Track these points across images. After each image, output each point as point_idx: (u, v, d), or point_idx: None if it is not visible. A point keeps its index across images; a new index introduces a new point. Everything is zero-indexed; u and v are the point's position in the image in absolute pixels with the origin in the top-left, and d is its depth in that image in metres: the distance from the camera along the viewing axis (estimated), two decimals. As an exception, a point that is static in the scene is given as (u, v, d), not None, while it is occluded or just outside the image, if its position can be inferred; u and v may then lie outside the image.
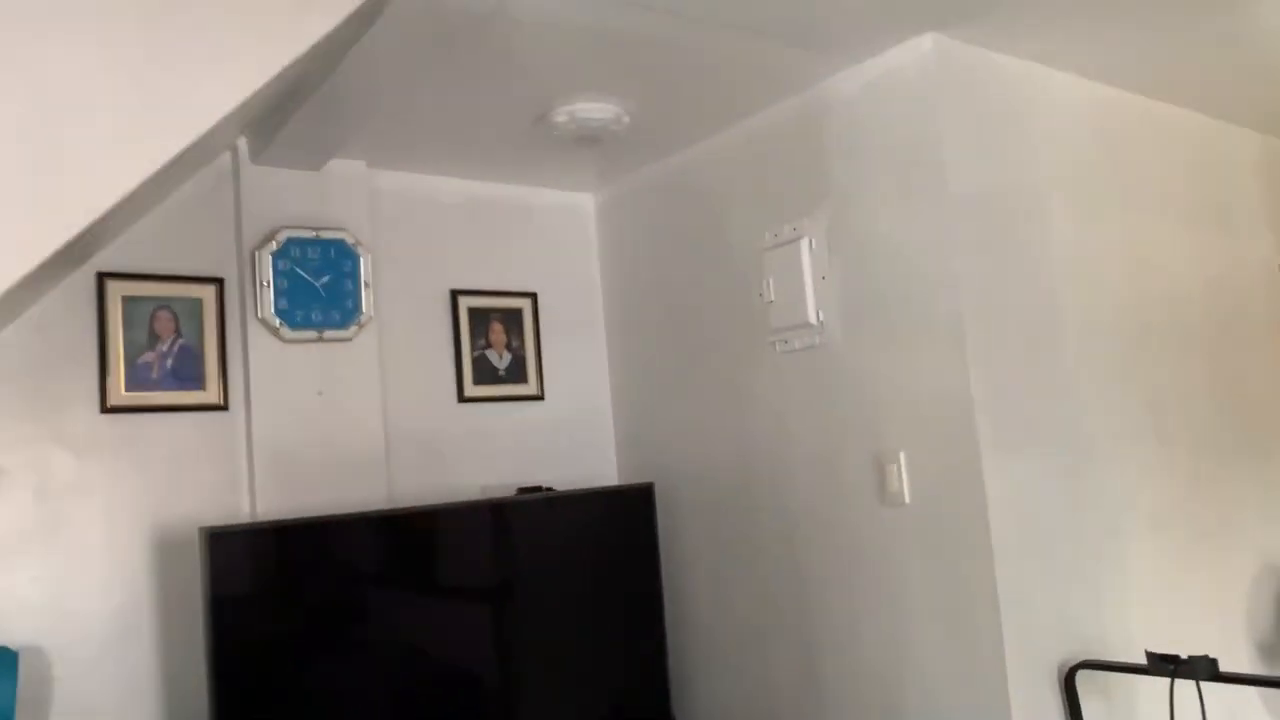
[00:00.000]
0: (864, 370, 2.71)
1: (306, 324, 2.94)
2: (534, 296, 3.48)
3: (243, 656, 2.52)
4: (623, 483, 3.54)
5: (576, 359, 3.58)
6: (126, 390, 2.72)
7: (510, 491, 3.26)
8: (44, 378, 2.61)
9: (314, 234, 2.97)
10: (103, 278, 2.71)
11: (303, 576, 2.71)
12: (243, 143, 2.91)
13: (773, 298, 2.92)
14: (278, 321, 2.89)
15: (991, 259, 2.56)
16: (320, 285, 2.99)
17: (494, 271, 3.42)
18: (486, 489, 3.27)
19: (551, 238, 3.58)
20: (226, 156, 2.94)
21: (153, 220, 2.81)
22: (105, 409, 2.68)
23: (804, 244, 2.83)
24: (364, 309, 3.03)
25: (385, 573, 2.88)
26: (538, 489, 3.28)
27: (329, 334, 2.97)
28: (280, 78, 1.98)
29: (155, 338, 2.78)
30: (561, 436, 3.49)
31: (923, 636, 2.57)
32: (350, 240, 3.02)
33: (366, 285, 3.05)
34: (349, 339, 3.01)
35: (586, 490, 3.25)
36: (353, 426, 2.99)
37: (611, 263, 3.63)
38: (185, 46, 1.84)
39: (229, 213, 2.92)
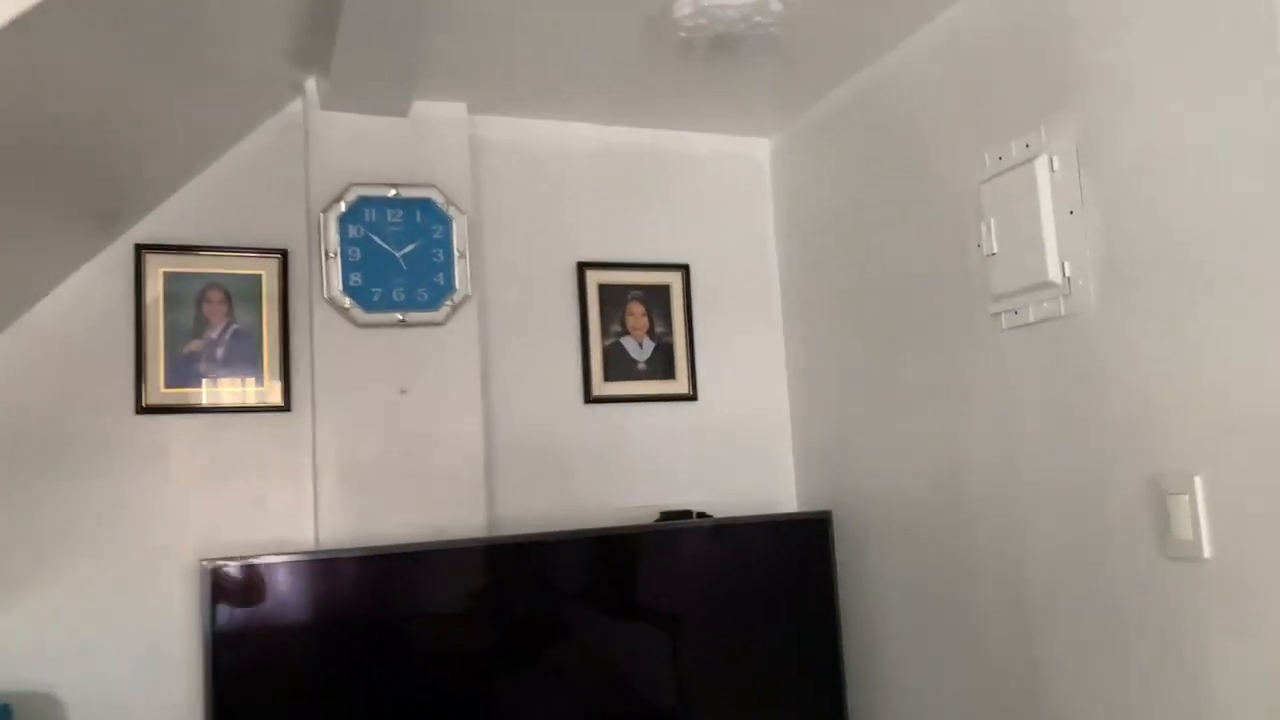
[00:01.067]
0: (1135, 352, 1.75)
1: (386, 305, 2.37)
2: (685, 269, 2.75)
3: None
4: (801, 508, 2.73)
5: (741, 348, 2.80)
6: (167, 386, 2.24)
7: (651, 517, 2.54)
8: (72, 370, 2.18)
9: (394, 192, 2.39)
10: (141, 250, 2.25)
11: (355, 622, 2.12)
12: (312, 84, 2.38)
13: (994, 249, 2.02)
14: (348, 301, 2.34)
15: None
16: (402, 256, 2.40)
17: (633, 239, 2.72)
18: (620, 513, 2.57)
19: (710, 195, 2.83)
20: (297, 104, 2.43)
21: (204, 182, 2.33)
22: (141, 408, 2.21)
23: (1041, 165, 1.91)
24: (459, 285, 2.42)
25: (476, 621, 2.25)
26: (686, 514, 2.55)
27: (414, 317, 2.38)
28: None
29: (204, 323, 2.29)
30: (719, 447, 2.72)
31: (1243, 773, 1.59)
32: (440, 200, 2.42)
33: (462, 255, 2.43)
34: (439, 323, 2.41)
35: (744, 519, 2.47)
36: (444, 433, 2.38)
37: (789, 224, 2.83)
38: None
39: (296, 171, 2.39)
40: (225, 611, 1.97)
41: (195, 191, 2.32)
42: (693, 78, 2.46)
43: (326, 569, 2.08)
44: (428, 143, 2.46)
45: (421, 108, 2.46)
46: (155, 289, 2.25)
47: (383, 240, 2.38)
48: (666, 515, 2.57)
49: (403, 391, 2.36)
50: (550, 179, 2.66)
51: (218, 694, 1.95)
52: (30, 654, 2.07)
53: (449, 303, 2.40)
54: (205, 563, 1.96)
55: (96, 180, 2.08)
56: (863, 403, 2.51)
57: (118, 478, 2.18)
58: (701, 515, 2.57)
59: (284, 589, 2.04)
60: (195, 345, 2.27)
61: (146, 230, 2.27)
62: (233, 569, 2.00)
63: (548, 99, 2.56)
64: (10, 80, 1.63)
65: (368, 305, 2.35)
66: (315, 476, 2.29)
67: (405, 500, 2.32)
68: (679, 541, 2.46)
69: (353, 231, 2.36)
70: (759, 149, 2.90)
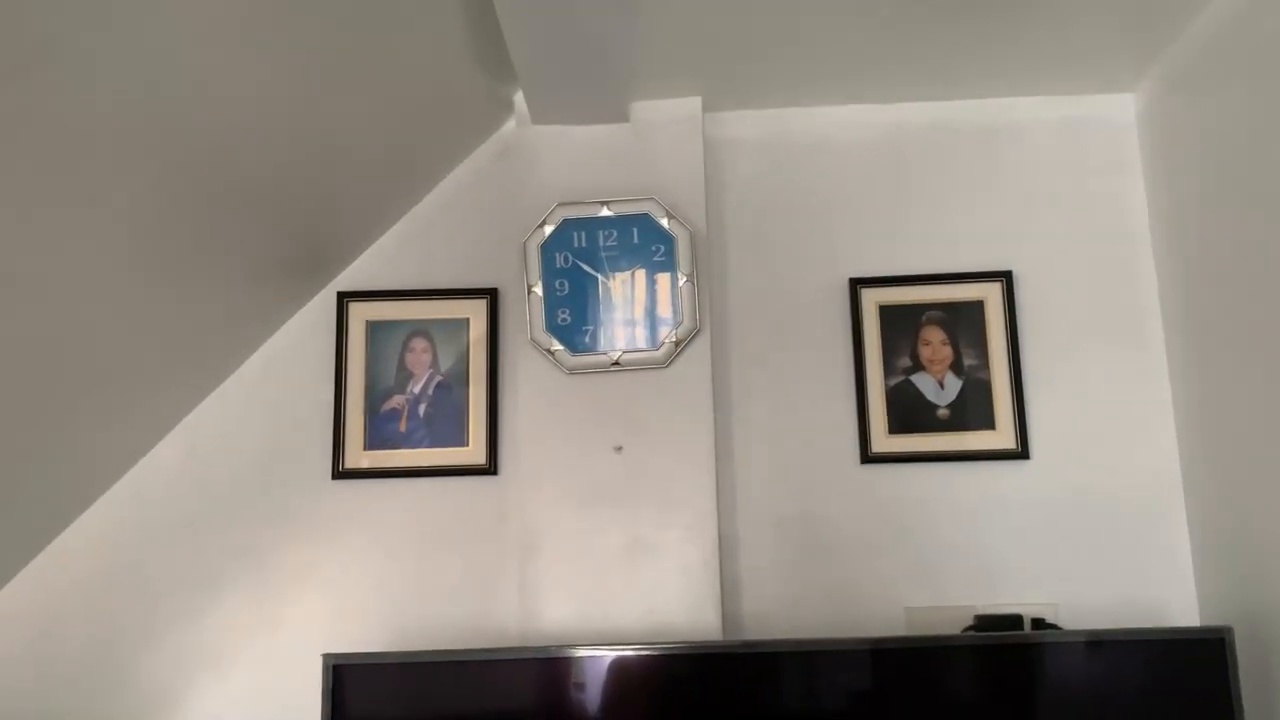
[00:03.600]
0: None
1: (596, 345, 1.95)
2: (1006, 278, 1.99)
3: None
4: (1201, 617, 1.81)
5: (1096, 385, 1.96)
6: (366, 448, 2.01)
7: (960, 624, 1.82)
8: (270, 433, 2.02)
9: (606, 210, 1.98)
10: (344, 299, 2.07)
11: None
12: (520, 99, 2.07)
13: None
14: (555, 342, 1.95)
15: None
16: (612, 284, 1.98)
17: (927, 243, 2.03)
18: (914, 616, 1.87)
19: (1041, 177, 2.05)
20: (509, 124, 2.14)
21: (411, 222, 2.10)
22: (338, 473, 2.00)
23: None
24: (685, 317, 1.94)
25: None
26: (1014, 621, 1.79)
27: (629, 358, 1.94)
28: None
29: (406, 375, 2.04)
30: (1063, 524, 1.90)
31: None
32: (659, 213, 1.97)
33: (688, 279, 1.95)
34: (660, 364, 1.93)
35: (1103, 635, 1.65)
36: (668, 501, 1.88)
37: (1170, 207, 1.94)
38: None
39: (506, 199, 2.08)
40: (343, 712, 1.63)
41: (405, 231, 2.10)
42: (1006, 22, 1.78)
43: (468, 670, 1.67)
44: (650, 149, 2.03)
45: (643, 109, 2.04)
46: (357, 339, 2.05)
47: (593, 268, 1.97)
48: (984, 622, 1.82)
49: (617, 450, 1.92)
50: (810, 178, 2.08)
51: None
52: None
53: (672, 339, 1.93)
54: (327, 657, 1.64)
55: (301, 230, 1.94)
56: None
57: (312, 549, 1.97)
58: (1039, 624, 1.79)
59: (415, 690, 1.66)
60: (396, 401, 2.02)
61: (351, 278, 2.09)
62: (354, 665, 1.66)
63: (804, 79, 2.00)
64: (210, 133, 1.56)
65: (576, 346, 1.94)
66: (522, 549, 1.92)
67: (619, 588, 1.85)
68: (1007, 661, 1.70)
69: (559, 260, 1.98)
70: (1117, 108, 2.06)
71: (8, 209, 1.35)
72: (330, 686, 1.64)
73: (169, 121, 1.46)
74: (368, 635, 1.92)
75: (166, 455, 2.00)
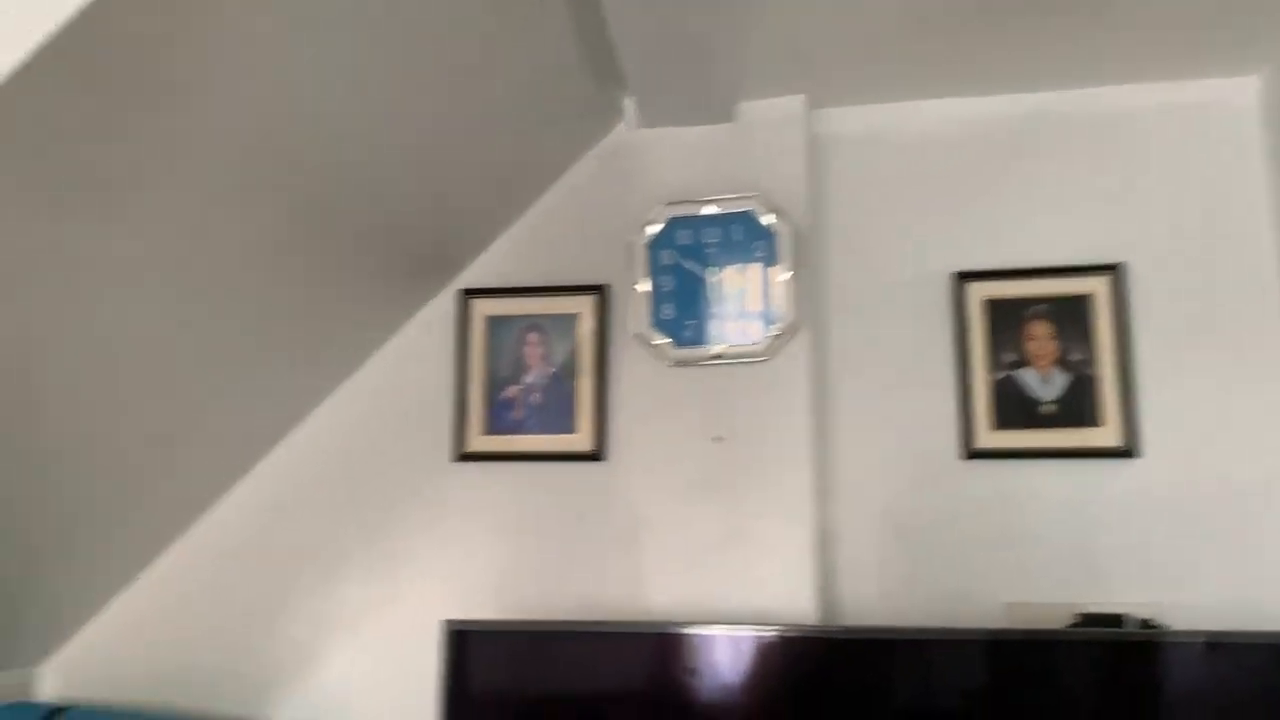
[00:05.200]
0: None
1: (699, 339, 2.02)
2: (1115, 270, 1.95)
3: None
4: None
5: (1213, 382, 1.89)
6: (485, 433, 2.15)
7: (1060, 621, 1.80)
8: (397, 420, 2.17)
9: (709, 208, 2.04)
10: (466, 296, 2.20)
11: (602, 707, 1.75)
12: (630, 104, 2.16)
13: None
14: (658, 337, 2.03)
15: None
16: (717, 280, 2.04)
17: (1034, 236, 2.00)
18: (1014, 612, 1.86)
19: (1153, 166, 1.98)
20: (619, 128, 2.23)
21: (529, 221, 2.22)
22: (458, 456, 2.14)
23: None
24: (785, 312, 1.98)
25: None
26: (1112, 620, 1.76)
27: (730, 351, 2.00)
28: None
29: (522, 367, 2.16)
30: (1173, 525, 1.85)
31: None
32: (761, 210, 2.01)
33: (790, 274, 1.99)
34: (761, 357, 1.99)
35: (1211, 635, 1.61)
36: (765, 492, 1.93)
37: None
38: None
39: (615, 199, 2.17)
40: (461, 675, 1.76)
41: (521, 232, 2.22)
42: (1114, 8, 1.76)
43: (580, 641, 1.77)
44: (754, 147, 2.08)
45: (749, 109, 2.09)
46: (478, 333, 2.18)
47: (696, 264, 2.04)
48: (1087, 620, 1.80)
49: (716, 440, 1.98)
50: (913, 172, 2.09)
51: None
52: (343, 700, 2.07)
53: (773, 333, 1.98)
54: (447, 623, 1.77)
55: (429, 235, 2.09)
56: None
57: (433, 526, 2.12)
58: (1147, 624, 1.76)
59: (528, 658, 1.77)
60: (512, 391, 2.14)
61: (472, 276, 2.22)
62: (473, 631, 1.78)
63: (907, 74, 2.02)
64: (343, 154, 1.71)
65: (680, 340, 2.02)
66: (627, 534, 2.01)
67: (719, 575, 1.92)
68: (1107, 658, 1.68)
69: (665, 258, 2.06)
70: (1237, 91, 1.99)
71: (170, 224, 1.52)
72: (450, 650, 1.78)
73: (306, 145, 1.61)
74: (481, 608, 2.04)
75: (304, 439, 2.19)
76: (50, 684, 2.14)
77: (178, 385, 1.84)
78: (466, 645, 1.77)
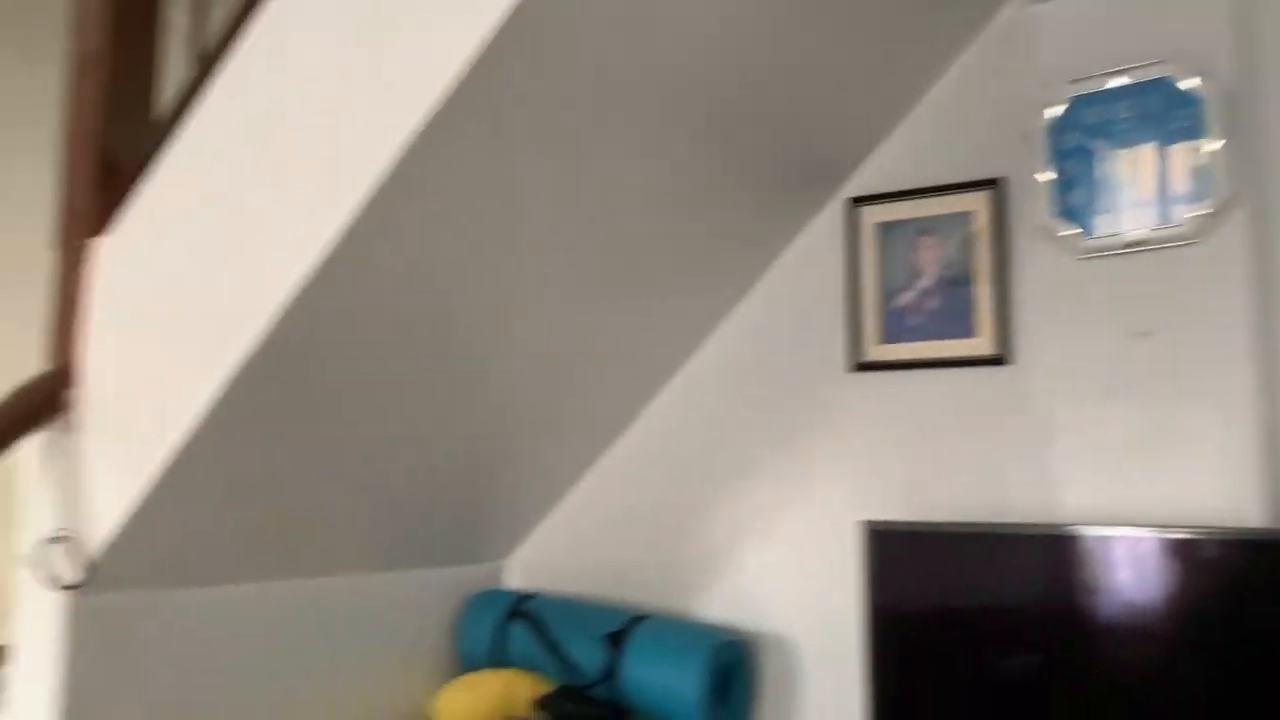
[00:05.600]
0: None
1: (1111, 226, 1.85)
2: None
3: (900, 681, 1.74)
4: None
5: None
6: (880, 342, 2.13)
7: None
8: (793, 333, 2.23)
9: (1118, 80, 1.85)
10: (854, 204, 2.18)
11: (1036, 613, 1.70)
12: (1020, -22, 2.00)
13: None
14: (1063, 227, 1.89)
15: None
16: (1130, 160, 1.84)
17: None
18: None
19: None
20: (1005, 9, 2.07)
21: (912, 123, 2.15)
22: (854, 366, 2.15)
23: None
24: (1217, 187, 1.75)
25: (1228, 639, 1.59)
26: None
27: (1153, 236, 1.81)
28: None
29: (914, 273, 2.11)
30: None
31: None
32: (1180, 74, 1.78)
33: (1221, 145, 1.75)
34: (1187, 242, 1.78)
35: None
36: (1198, 391, 1.75)
37: None
38: None
39: (1009, 84, 2.03)
40: (881, 576, 1.80)
41: (905, 133, 2.16)
42: None
43: (1003, 544, 1.73)
44: (1164, 3, 1.84)
45: (1162, -38, 1.86)
46: (869, 242, 2.16)
47: (1107, 145, 1.86)
48: None
49: (1142, 335, 1.82)
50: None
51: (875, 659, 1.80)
52: (758, 597, 2.20)
53: (1200, 213, 1.76)
54: (867, 524, 1.81)
55: (812, 144, 2.10)
56: None
57: (835, 434, 2.16)
58: None
59: (947, 560, 1.76)
60: (905, 298, 2.11)
61: (859, 183, 2.20)
62: (892, 532, 1.80)
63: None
64: (725, 80, 1.77)
65: (1089, 230, 1.87)
66: (1024, 440, 1.92)
67: (1142, 479, 1.78)
68: None
69: (1068, 141, 1.90)
70: None
71: (600, 160, 1.67)
72: (870, 550, 1.83)
73: (707, 70, 1.67)
74: (890, 512, 2.07)
75: (711, 353, 2.32)
76: (515, 576, 2.49)
77: (604, 306, 2.03)
78: (885, 545, 1.81)
